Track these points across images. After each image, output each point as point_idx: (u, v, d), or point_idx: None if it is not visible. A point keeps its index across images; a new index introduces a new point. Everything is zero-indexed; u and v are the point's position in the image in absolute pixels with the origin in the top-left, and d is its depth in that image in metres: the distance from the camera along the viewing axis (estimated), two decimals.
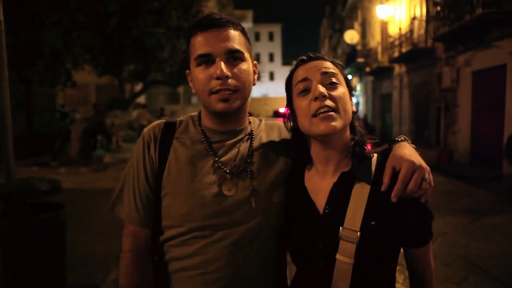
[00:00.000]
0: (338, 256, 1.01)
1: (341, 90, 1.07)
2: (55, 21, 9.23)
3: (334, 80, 1.07)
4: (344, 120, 1.05)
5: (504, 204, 6.85)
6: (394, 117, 17.30)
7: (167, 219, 1.12)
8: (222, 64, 1.05)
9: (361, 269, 1.00)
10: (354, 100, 1.17)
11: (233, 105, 1.09)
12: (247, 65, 1.12)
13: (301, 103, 1.07)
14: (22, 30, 9.39)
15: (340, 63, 1.14)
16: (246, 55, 1.12)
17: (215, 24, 1.08)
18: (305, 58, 1.12)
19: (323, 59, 1.11)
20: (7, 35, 3.54)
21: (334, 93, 1.04)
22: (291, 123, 1.17)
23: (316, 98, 1.03)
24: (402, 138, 1.13)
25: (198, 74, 1.09)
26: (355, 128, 1.13)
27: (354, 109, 1.13)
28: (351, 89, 1.13)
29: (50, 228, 2.80)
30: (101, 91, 20.12)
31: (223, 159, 1.13)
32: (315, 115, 1.03)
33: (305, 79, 1.07)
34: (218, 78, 1.06)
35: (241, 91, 1.09)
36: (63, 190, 3.33)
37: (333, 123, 1.02)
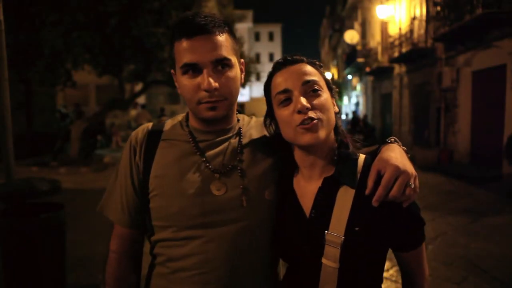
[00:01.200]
0: (323, 260, 1.00)
1: (324, 96, 1.04)
2: (55, 21, 9.22)
3: (315, 87, 1.03)
4: (328, 129, 1.03)
5: (504, 204, 6.86)
6: (394, 117, 17.31)
7: (157, 220, 1.12)
8: (210, 78, 1.03)
9: (346, 273, 0.99)
10: (341, 101, 1.14)
11: (220, 113, 1.08)
12: (234, 71, 1.09)
13: (283, 113, 1.04)
14: (22, 30, 9.39)
15: (319, 62, 1.11)
16: (234, 59, 1.09)
17: (201, 31, 1.04)
18: (282, 61, 1.08)
19: (302, 61, 1.07)
20: (7, 35, 3.54)
21: (316, 102, 1.02)
22: (273, 128, 1.14)
23: (299, 112, 1.00)
24: (392, 139, 1.09)
25: (185, 82, 1.07)
26: (338, 128, 1.10)
27: (337, 109, 1.10)
28: (331, 89, 1.10)
29: (50, 228, 2.80)
30: (101, 91, 20.11)
31: (211, 158, 1.12)
32: (298, 125, 1.01)
33: (285, 91, 1.04)
34: (206, 91, 1.04)
35: (228, 99, 1.08)
36: (63, 190, 3.33)
37: (317, 134, 1.00)
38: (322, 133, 1.01)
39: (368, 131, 16.68)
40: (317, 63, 1.10)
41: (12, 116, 3.18)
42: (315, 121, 1.00)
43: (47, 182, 3.08)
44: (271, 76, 1.10)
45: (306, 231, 1.05)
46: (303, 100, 1.00)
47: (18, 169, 3.58)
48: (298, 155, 1.11)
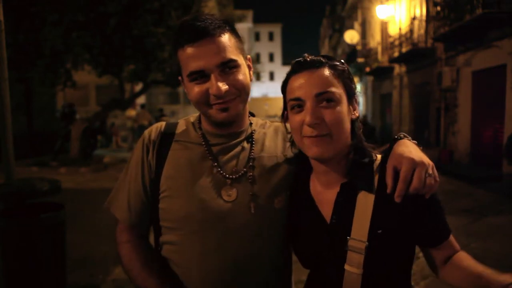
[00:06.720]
0: (346, 267, 0.98)
1: (338, 109, 0.99)
2: (55, 21, 9.22)
3: (330, 97, 0.99)
4: (338, 143, 1.00)
5: (504, 204, 6.85)
6: (394, 117, 17.30)
7: (165, 221, 1.11)
8: (219, 83, 1.02)
9: (370, 278, 0.97)
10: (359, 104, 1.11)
11: (233, 113, 1.07)
12: (242, 70, 1.07)
13: (294, 119, 1.02)
14: (22, 30, 9.39)
15: (341, 64, 1.04)
16: (240, 59, 1.07)
17: (202, 35, 1.01)
18: (301, 62, 1.03)
19: (321, 65, 1.01)
20: (7, 35, 3.53)
21: (329, 116, 0.98)
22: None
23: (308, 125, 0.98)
24: (402, 135, 1.07)
25: (193, 87, 1.06)
26: (356, 133, 1.06)
27: (357, 114, 1.06)
28: (352, 92, 1.05)
29: (50, 228, 2.79)
30: (101, 91, 20.12)
31: (223, 163, 1.11)
32: (305, 136, 0.99)
33: (297, 99, 1.00)
34: (215, 96, 1.03)
35: (240, 96, 1.08)
36: (63, 190, 3.33)
37: (323, 149, 0.98)
38: (329, 149, 0.99)
39: (368, 131, 16.68)
40: (340, 65, 1.04)
41: (12, 116, 3.18)
42: (323, 137, 0.98)
43: (47, 182, 3.08)
44: (288, 77, 1.06)
45: (327, 238, 1.03)
46: (313, 116, 0.97)
47: (18, 169, 3.58)
48: (312, 160, 1.09)
